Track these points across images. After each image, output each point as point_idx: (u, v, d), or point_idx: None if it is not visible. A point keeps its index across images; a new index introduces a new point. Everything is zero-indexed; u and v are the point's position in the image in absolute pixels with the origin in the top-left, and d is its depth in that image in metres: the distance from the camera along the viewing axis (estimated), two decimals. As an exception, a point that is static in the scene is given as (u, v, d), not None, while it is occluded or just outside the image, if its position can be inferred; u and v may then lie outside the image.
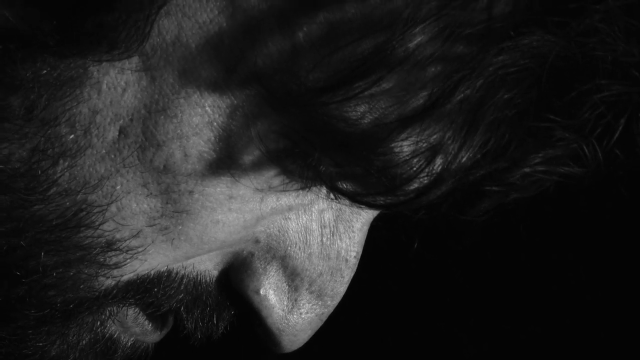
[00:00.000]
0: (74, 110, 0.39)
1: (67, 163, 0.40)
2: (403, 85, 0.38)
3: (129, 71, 0.39)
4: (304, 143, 0.41)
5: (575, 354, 0.81)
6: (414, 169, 0.39)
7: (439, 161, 0.40)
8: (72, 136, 0.39)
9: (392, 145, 0.40)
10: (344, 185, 0.43)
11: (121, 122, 0.40)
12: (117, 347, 0.49)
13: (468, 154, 0.38)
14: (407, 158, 0.40)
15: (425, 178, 0.40)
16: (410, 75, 0.38)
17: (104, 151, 0.40)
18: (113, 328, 0.48)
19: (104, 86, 0.39)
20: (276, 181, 0.43)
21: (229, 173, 0.41)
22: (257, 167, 0.42)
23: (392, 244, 0.63)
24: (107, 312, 0.46)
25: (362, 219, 0.49)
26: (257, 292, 0.48)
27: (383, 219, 0.59)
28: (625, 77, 0.37)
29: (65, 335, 0.46)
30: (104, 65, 0.39)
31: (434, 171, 0.40)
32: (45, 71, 0.38)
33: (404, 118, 0.38)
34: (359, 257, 0.50)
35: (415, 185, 0.40)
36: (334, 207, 0.48)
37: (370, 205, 0.42)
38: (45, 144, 0.39)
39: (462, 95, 0.37)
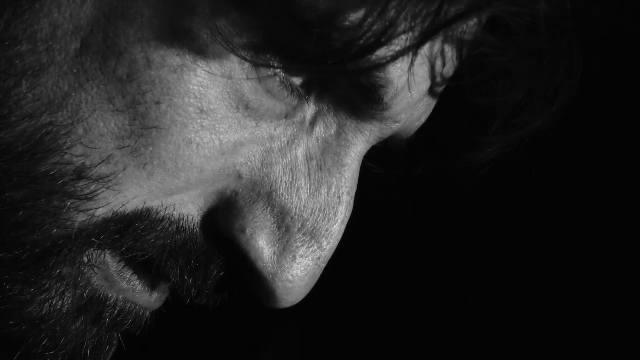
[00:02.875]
0: (35, 27, 0.39)
1: (30, 83, 0.39)
2: None
3: None
4: (267, 35, 0.39)
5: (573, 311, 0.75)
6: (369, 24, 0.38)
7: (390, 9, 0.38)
8: (34, 54, 0.39)
9: (348, 16, 0.38)
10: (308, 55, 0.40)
11: (82, 34, 0.39)
12: (104, 308, 0.45)
13: None
14: (363, 20, 0.38)
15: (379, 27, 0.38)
16: None
17: (66, 67, 0.39)
18: (97, 283, 0.45)
19: None
20: (246, 86, 0.41)
21: (195, 79, 0.40)
22: (223, 67, 0.40)
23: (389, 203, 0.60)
24: (85, 259, 0.43)
25: (351, 153, 0.47)
26: (243, 230, 0.44)
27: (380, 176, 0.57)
28: None
29: (46, 290, 0.43)
30: None
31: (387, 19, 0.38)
32: None
33: None
34: (352, 194, 0.47)
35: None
36: (319, 139, 0.46)
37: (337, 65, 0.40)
38: (7, 65, 0.39)
39: None
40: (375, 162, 0.58)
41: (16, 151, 0.40)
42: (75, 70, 0.39)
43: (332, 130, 0.46)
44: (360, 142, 0.47)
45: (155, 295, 0.47)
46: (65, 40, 0.39)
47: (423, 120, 0.50)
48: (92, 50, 0.39)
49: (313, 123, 0.46)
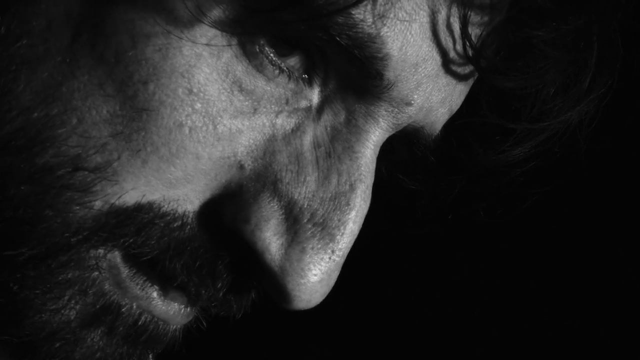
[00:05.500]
0: (34, 22, 0.40)
1: (27, 77, 0.40)
2: None
3: None
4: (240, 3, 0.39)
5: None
6: None
7: None
8: (31, 48, 0.40)
9: None
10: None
11: (73, 23, 0.40)
12: (117, 316, 0.43)
13: None
14: None
15: None
16: None
17: (60, 57, 0.40)
18: (109, 289, 0.43)
19: None
20: (238, 67, 0.40)
21: (181, 58, 0.39)
22: (210, 44, 0.40)
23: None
24: (93, 260, 0.42)
25: (363, 139, 0.44)
26: (247, 220, 0.42)
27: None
28: None
29: (55, 298, 0.41)
30: None
31: None
32: None
33: None
34: (367, 184, 0.44)
35: None
36: (327, 127, 0.44)
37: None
38: (8, 61, 0.40)
39: None
40: (405, 172, 0.55)
41: (16, 146, 0.40)
42: (68, 60, 0.40)
43: (341, 117, 0.44)
44: (372, 128, 0.44)
45: (174, 307, 0.45)
46: (59, 32, 0.40)
47: (447, 108, 0.46)
48: (82, 37, 0.40)
49: (320, 110, 0.44)
